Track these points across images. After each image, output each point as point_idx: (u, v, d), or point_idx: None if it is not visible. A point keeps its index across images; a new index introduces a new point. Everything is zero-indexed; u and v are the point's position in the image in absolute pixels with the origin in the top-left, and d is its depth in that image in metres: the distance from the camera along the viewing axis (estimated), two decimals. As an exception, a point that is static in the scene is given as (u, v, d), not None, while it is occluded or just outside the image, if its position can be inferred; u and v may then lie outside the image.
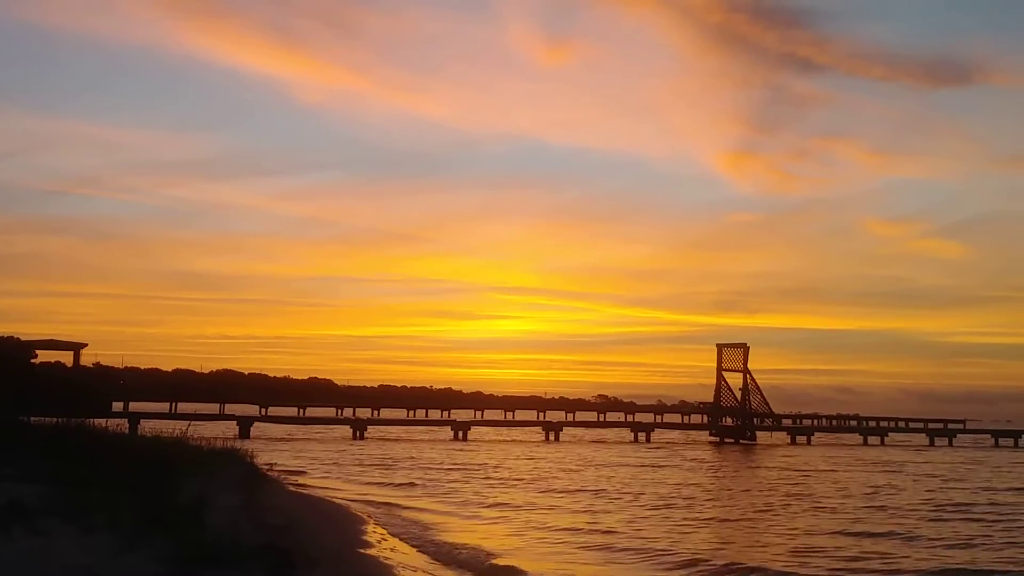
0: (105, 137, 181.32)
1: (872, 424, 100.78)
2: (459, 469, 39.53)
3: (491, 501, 27.40)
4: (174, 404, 70.75)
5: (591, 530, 21.52)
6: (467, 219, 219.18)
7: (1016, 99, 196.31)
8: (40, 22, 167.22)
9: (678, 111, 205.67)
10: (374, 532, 18.99)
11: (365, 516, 21.56)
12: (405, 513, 23.72)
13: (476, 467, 40.89)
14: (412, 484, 32.17)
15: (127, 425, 43.27)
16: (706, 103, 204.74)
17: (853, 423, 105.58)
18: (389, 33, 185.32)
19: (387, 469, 38.75)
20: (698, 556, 17.98)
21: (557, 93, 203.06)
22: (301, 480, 29.83)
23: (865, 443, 79.35)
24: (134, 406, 63.60)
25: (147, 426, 41.41)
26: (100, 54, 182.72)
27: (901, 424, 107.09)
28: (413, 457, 46.98)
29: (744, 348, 76.83)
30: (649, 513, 25.27)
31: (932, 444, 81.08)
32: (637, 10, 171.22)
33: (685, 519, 24.25)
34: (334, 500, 24.19)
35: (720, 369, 76.98)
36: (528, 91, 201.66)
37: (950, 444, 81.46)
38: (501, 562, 16.77)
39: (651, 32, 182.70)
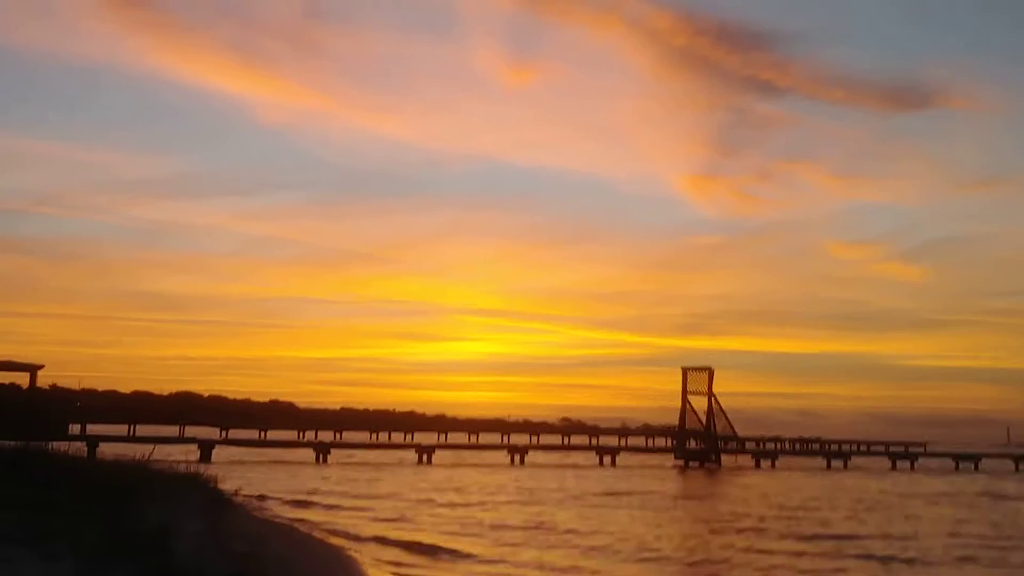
0: (64, 156, 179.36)
1: (835, 447, 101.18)
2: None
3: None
4: (132, 427, 69.56)
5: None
6: (430, 240, 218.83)
7: (975, 123, 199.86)
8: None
9: (642, 133, 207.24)
10: (349, 559, 18.54)
11: (339, 543, 21.08)
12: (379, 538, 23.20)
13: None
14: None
15: (85, 448, 42.26)
16: (670, 125, 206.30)
17: (816, 446, 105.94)
18: (354, 53, 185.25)
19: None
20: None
21: (522, 114, 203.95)
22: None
23: (829, 466, 79.69)
24: (92, 428, 62.39)
25: (106, 449, 40.50)
26: (60, 71, 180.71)
27: (863, 447, 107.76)
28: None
29: (709, 371, 77.02)
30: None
31: (894, 467, 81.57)
32: (602, 32, 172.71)
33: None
34: (302, 528, 23.64)
35: (685, 392, 77.09)
36: (493, 112, 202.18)
37: (912, 468, 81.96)
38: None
39: (616, 54, 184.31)
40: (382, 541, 22.79)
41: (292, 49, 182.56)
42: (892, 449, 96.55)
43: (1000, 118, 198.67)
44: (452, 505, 34.07)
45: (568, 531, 26.12)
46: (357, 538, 23.09)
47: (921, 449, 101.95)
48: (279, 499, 33.92)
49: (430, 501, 35.07)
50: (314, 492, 38.23)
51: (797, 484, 52.98)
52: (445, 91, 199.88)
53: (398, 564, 19.19)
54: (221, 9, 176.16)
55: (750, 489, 47.88)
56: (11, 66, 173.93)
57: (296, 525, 23.91)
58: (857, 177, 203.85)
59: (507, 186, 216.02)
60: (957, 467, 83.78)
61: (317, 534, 22.63)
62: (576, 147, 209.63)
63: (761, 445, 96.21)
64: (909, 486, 54.60)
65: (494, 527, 26.65)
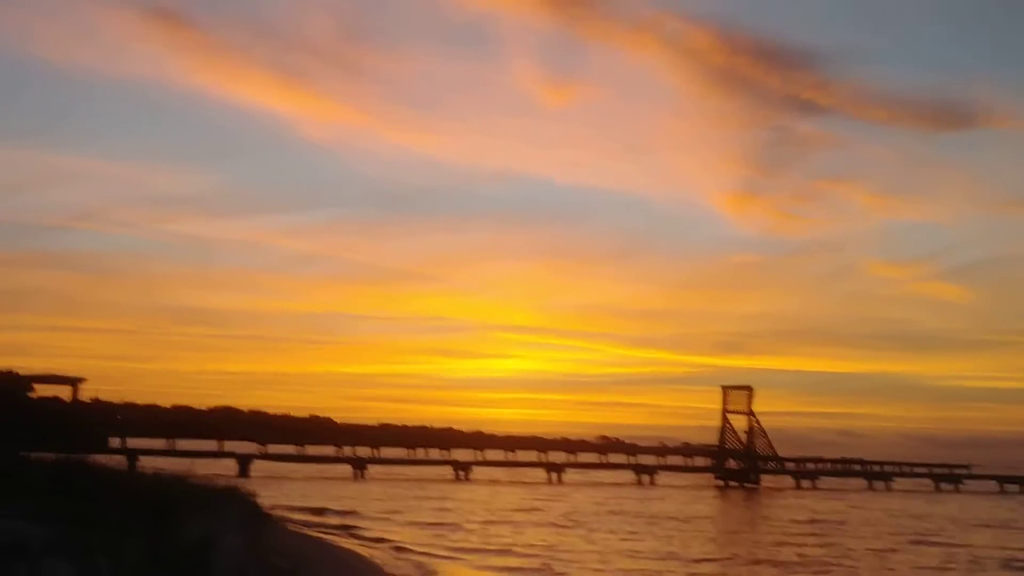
0: (106, 172, 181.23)
1: (876, 468, 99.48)
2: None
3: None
4: (172, 440, 69.91)
5: None
6: (469, 257, 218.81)
7: (1018, 142, 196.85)
8: (40, 57, 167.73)
9: (681, 151, 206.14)
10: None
11: (378, 560, 20.87)
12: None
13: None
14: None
15: (126, 462, 42.48)
16: (709, 144, 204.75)
17: (857, 467, 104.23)
18: (394, 72, 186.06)
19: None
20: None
21: (561, 133, 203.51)
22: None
23: (871, 488, 78.39)
24: (132, 442, 62.83)
25: (146, 463, 40.63)
26: (102, 89, 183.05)
27: (906, 469, 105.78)
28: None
29: (749, 391, 76.19)
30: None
31: (938, 489, 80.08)
32: (641, 51, 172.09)
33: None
34: (342, 544, 23.48)
35: (725, 411, 76.28)
36: (532, 130, 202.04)
37: (956, 490, 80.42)
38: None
39: (655, 73, 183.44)
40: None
41: (333, 68, 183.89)
42: (935, 471, 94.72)
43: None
44: (487, 524, 33.67)
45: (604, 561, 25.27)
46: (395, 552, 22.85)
47: (965, 471, 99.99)
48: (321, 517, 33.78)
49: (461, 525, 34.15)
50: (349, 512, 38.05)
51: (841, 507, 51.87)
52: (484, 110, 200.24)
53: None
54: (263, 29, 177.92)
55: (794, 512, 46.81)
56: (57, 84, 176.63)
57: (336, 540, 23.76)
58: (898, 196, 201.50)
59: (546, 204, 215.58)
60: (1002, 489, 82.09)
61: (357, 549, 22.45)
62: (615, 165, 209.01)
63: (802, 465, 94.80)
64: (958, 510, 53.27)
65: (505, 550, 25.79)
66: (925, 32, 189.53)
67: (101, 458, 22.88)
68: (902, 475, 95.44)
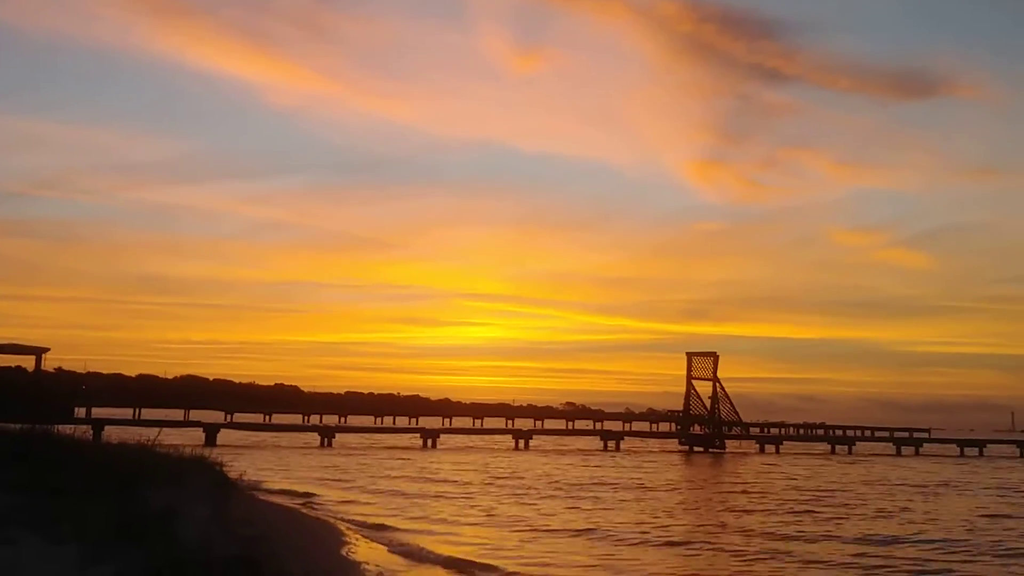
0: (69, 138, 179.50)
1: (839, 433, 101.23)
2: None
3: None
4: (138, 410, 69.79)
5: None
6: (436, 225, 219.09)
7: (980, 111, 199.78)
8: (5, 21, 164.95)
9: (648, 119, 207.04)
10: (354, 544, 18.49)
11: (344, 528, 21.02)
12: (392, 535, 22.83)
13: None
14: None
15: (91, 432, 42.31)
16: (675, 112, 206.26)
17: (820, 432, 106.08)
18: (363, 38, 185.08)
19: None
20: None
21: (528, 100, 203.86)
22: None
23: (833, 452, 79.65)
24: (97, 412, 62.59)
25: (111, 433, 40.44)
26: (65, 53, 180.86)
27: (867, 433, 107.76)
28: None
29: (714, 357, 76.94)
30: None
31: (899, 453, 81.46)
32: (609, 20, 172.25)
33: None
34: (310, 512, 23.62)
35: (689, 377, 76.98)
36: (500, 98, 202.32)
37: (916, 453, 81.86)
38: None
39: (622, 41, 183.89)
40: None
41: (302, 34, 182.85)
42: (896, 435, 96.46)
43: (1004, 108, 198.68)
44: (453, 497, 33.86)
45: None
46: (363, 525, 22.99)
47: (925, 435, 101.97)
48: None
49: (431, 496, 33.59)
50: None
51: (805, 472, 52.50)
52: (452, 77, 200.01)
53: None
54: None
55: (760, 476, 47.30)
56: (22, 49, 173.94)
57: (302, 509, 23.91)
58: (861, 165, 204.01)
59: (513, 172, 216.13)
60: (962, 453, 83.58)
61: (323, 518, 22.62)
62: (582, 133, 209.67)
63: (765, 430, 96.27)
64: (920, 474, 54.01)
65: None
66: (890, 2, 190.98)
67: (66, 428, 22.86)
68: (864, 439, 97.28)
